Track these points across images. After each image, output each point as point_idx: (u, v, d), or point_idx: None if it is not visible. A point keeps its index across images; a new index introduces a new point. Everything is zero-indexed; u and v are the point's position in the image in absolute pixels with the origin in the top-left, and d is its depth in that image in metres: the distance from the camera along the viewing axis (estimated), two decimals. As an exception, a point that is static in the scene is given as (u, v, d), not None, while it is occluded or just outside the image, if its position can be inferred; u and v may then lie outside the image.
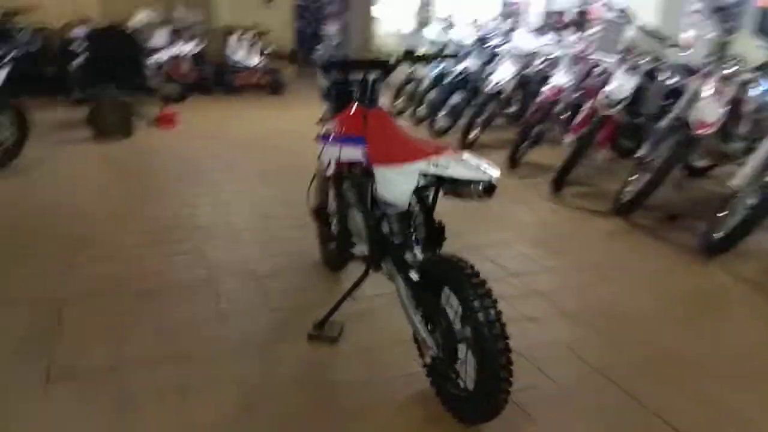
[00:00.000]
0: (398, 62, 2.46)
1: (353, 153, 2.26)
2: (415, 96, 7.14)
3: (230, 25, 9.70)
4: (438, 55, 2.55)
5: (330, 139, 2.40)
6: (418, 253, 2.12)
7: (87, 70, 6.35)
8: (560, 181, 4.47)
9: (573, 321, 2.68)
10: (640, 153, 4.02)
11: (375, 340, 2.44)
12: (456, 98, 6.33)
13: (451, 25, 7.10)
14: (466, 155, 1.89)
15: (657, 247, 3.63)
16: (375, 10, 11.75)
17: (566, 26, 5.57)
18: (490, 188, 1.84)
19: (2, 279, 2.84)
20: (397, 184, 2.00)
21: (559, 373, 2.28)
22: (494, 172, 1.80)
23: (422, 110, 6.84)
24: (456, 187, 1.92)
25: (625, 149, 4.73)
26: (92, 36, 6.44)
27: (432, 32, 7.27)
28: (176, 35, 8.49)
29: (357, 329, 2.51)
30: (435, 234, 2.20)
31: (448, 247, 3.40)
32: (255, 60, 8.84)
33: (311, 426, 1.93)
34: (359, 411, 2.01)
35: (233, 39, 8.94)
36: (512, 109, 6.26)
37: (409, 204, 2.17)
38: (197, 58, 8.62)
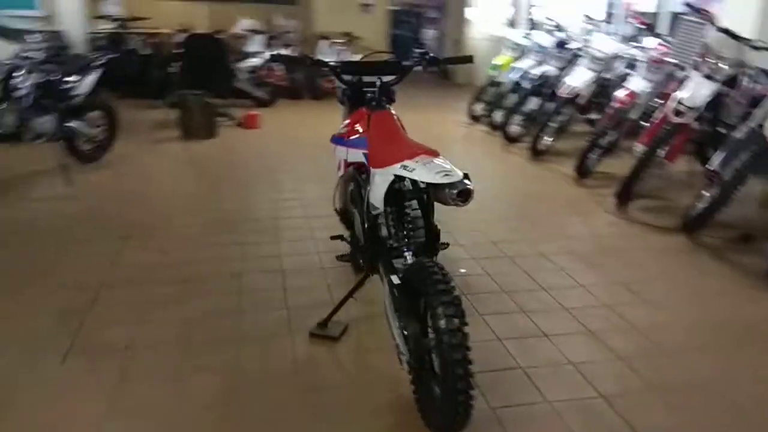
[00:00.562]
0: (412, 66, 2.45)
1: (357, 155, 2.28)
2: (494, 101, 6.98)
3: (324, 32, 10.04)
4: (456, 59, 2.51)
5: (340, 141, 2.44)
6: (409, 257, 2.10)
7: (182, 74, 6.86)
8: (625, 193, 4.18)
9: (592, 341, 2.52)
10: (711, 165, 3.67)
11: (374, 343, 2.44)
12: (533, 104, 6.13)
13: (534, 27, 6.89)
14: (439, 159, 1.85)
15: (718, 269, 3.30)
16: (469, 14, 11.63)
17: (649, 28, 5.19)
18: (463, 193, 1.78)
19: (60, 259, 3.15)
20: (377, 186, 1.99)
21: (557, 393, 2.15)
22: (455, 178, 1.74)
23: (498, 116, 6.68)
24: (436, 192, 1.88)
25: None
26: (187, 43, 6.93)
27: (514, 35, 7.08)
28: (271, 42, 8.93)
29: (361, 331, 2.53)
30: (431, 240, 2.16)
31: (485, 255, 3.33)
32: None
33: (283, 419, 1.98)
34: (333, 411, 2.03)
35: (324, 45, 9.23)
36: (593, 115, 5.95)
37: (405, 207, 2.16)
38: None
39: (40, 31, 8.60)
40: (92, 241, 3.42)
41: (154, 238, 3.51)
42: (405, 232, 2.13)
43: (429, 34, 15.28)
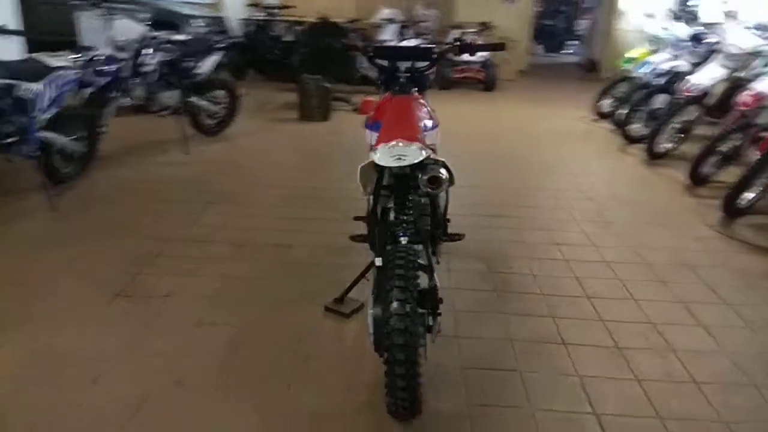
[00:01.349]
0: (443, 51, 2.43)
1: (375, 138, 2.33)
2: (623, 97, 6.48)
3: (462, 22, 9.97)
4: (483, 47, 2.43)
5: (367, 125, 2.50)
6: (404, 242, 2.11)
7: (308, 59, 7.28)
8: (731, 206, 3.71)
9: (615, 357, 2.33)
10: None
11: (382, 324, 2.48)
12: (660, 101, 5.61)
13: (677, 19, 6.25)
14: (413, 144, 1.81)
15: (814, 302, 2.82)
16: (622, 4, 10.81)
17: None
18: (433, 180, 1.78)
19: (151, 215, 3.58)
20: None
21: (545, 402, 2.05)
22: (408, 162, 1.71)
23: (622, 113, 6.19)
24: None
25: None
26: (312, 30, 7.33)
27: (652, 26, 6.48)
28: (403, 31, 9.09)
29: (374, 311, 2.58)
30: (434, 228, 2.16)
31: (542, 256, 3.17)
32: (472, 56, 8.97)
33: (267, 377, 2.12)
34: (314, 380, 2.13)
35: (455, 34, 9.18)
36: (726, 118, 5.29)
37: (408, 193, 2.16)
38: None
39: (204, 17, 9.66)
40: (184, 203, 3.84)
41: (234, 205, 3.84)
42: (403, 218, 2.15)
43: (582, 24, 14.45)
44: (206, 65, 5.08)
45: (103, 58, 4.23)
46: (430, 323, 1.93)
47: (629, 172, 5.08)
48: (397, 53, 2.48)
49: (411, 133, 1.95)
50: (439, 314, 1.95)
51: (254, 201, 3.96)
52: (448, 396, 2.07)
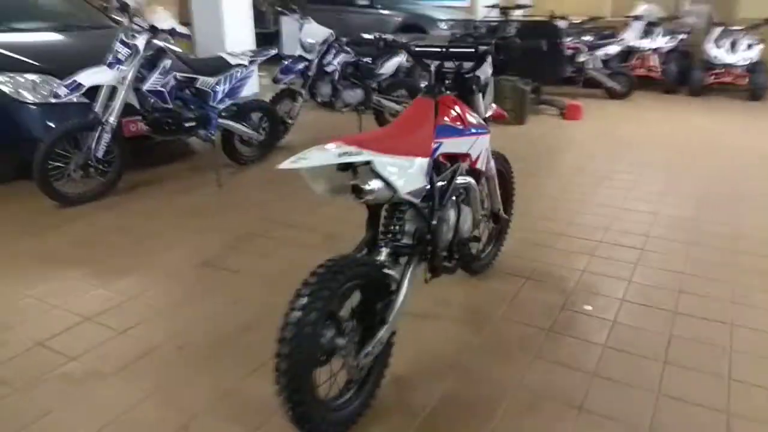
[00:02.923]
0: (486, 51, 2.19)
1: None
2: None
3: (740, 19, 8.37)
4: (522, 45, 2.05)
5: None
6: (384, 254, 2.01)
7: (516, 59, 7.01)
8: None
9: (631, 440, 1.84)
10: None
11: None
12: None
13: None
14: (336, 148, 1.68)
15: None
16: None
17: None
18: (354, 189, 1.67)
19: (283, 202, 3.92)
20: None
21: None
22: (301, 165, 1.59)
23: None
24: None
25: None
26: (522, 30, 7.00)
27: None
28: (651, 29, 8.07)
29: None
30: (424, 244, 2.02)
31: (642, 301, 2.69)
32: (734, 57, 7.47)
33: (250, 361, 2.23)
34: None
35: (716, 32, 7.76)
36: None
37: (400, 206, 2.04)
38: (672, 53, 7.99)
39: (452, 20, 10.07)
40: (297, 197, 4.02)
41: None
42: (391, 228, 2.04)
43: None
44: (388, 66, 5.33)
45: (293, 57, 4.81)
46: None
47: None
48: (438, 54, 2.30)
49: (359, 138, 1.82)
50: (374, 336, 1.81)
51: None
52: (397, 426, 1.91)
